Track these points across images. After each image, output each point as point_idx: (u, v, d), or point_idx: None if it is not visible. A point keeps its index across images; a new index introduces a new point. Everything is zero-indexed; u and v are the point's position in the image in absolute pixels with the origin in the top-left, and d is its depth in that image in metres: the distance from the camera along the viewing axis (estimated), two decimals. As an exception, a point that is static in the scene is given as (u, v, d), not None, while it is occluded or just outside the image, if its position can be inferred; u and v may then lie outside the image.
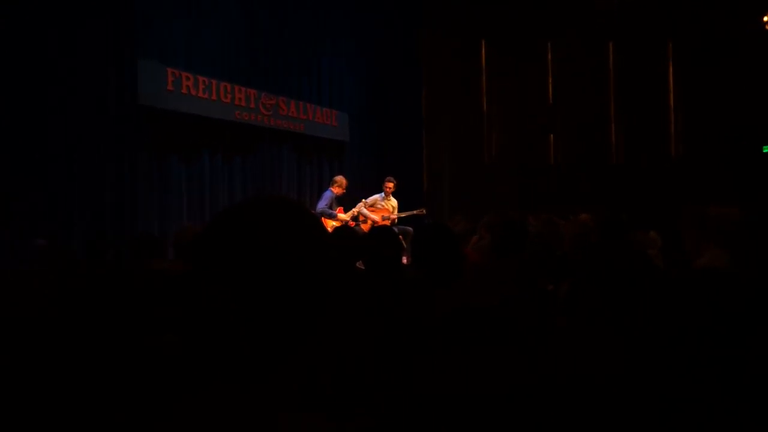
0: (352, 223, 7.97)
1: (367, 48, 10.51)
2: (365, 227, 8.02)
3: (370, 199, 8.38)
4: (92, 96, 5.90)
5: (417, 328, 1.60)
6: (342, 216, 8.03)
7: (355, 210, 8.18)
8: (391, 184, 8.32)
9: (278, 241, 0.75)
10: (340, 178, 8.13)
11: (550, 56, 13.17)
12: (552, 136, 13.27)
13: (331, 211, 7.87)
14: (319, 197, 8.39)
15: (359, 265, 3.50)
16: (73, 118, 5.72)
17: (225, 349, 0.74)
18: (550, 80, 13.20)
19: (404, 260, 3.92)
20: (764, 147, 10.54)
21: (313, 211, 7.69)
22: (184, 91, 6.84)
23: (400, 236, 6.59)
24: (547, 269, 3.55)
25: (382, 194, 8.37)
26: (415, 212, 8.52)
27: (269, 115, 8.17)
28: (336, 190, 8.03)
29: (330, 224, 7.82)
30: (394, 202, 8.47)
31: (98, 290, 1.77)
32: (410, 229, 7.95)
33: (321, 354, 0.78)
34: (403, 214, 8.47)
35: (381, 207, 8.36)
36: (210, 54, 7.45)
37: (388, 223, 8.09)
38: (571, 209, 9.37)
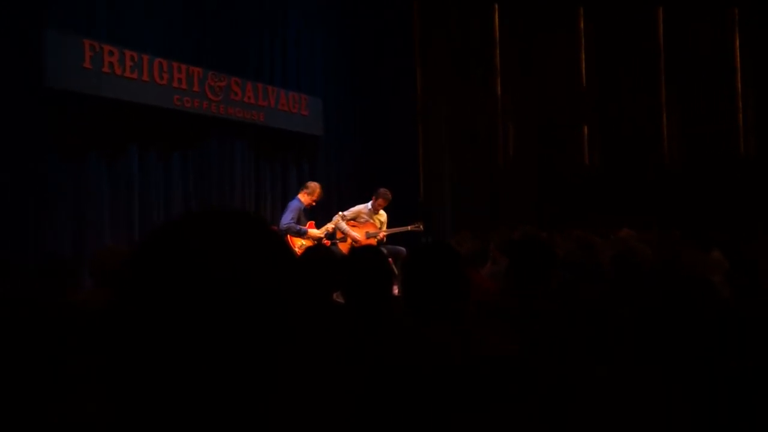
0: (327, 242, 7.96)
1: (347, 15, 10.56)
2: (344, 247, 8.01)
3: (351, 211, 8.35)
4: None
5: (410, 383, 1.59)
6: (314, 232, 8.02)
7: (330, 225, 8.17)
8: (384, 201, 8.28)
9: (231, 266, 0.75)
10: (313, 185, 8.11)
11: (582, 25, 13.32)
12: (586, 129, 13.39)
13: (299, 227, 7.86)
14: (283, 209, 8.37)
15: (336, 297, 3.50)
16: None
17: (161, 412, 0.73)
18: (583, 57, 13.34)
19: (395, 290, 3.91)
20: None
21: (276, 228, 7.69)
22: (106, 69, 6.82)
23: (390, 259, 6.60)
24: (580, 302, 3.57)
25: (369, 205, 8.34)
26: (409, 228, 8.52)
27: (218, 101, 8.16)
28: (304, 198, 8.01)
29: (298, 244, 7.80)
30: (382, 215, 8.47)
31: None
32: (403, 249, 7.95)
33: (285, 420, 0.78)
34: (393, 231, 8.47)
35: (365, 221, 8.35)
36: (141, 22, 7.44)
37: (374, 242, 8.09)
38: (610, 224, 9.43)
